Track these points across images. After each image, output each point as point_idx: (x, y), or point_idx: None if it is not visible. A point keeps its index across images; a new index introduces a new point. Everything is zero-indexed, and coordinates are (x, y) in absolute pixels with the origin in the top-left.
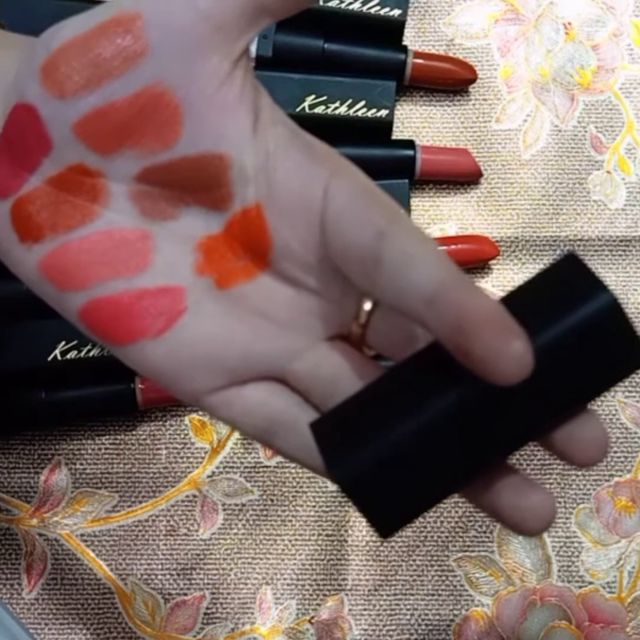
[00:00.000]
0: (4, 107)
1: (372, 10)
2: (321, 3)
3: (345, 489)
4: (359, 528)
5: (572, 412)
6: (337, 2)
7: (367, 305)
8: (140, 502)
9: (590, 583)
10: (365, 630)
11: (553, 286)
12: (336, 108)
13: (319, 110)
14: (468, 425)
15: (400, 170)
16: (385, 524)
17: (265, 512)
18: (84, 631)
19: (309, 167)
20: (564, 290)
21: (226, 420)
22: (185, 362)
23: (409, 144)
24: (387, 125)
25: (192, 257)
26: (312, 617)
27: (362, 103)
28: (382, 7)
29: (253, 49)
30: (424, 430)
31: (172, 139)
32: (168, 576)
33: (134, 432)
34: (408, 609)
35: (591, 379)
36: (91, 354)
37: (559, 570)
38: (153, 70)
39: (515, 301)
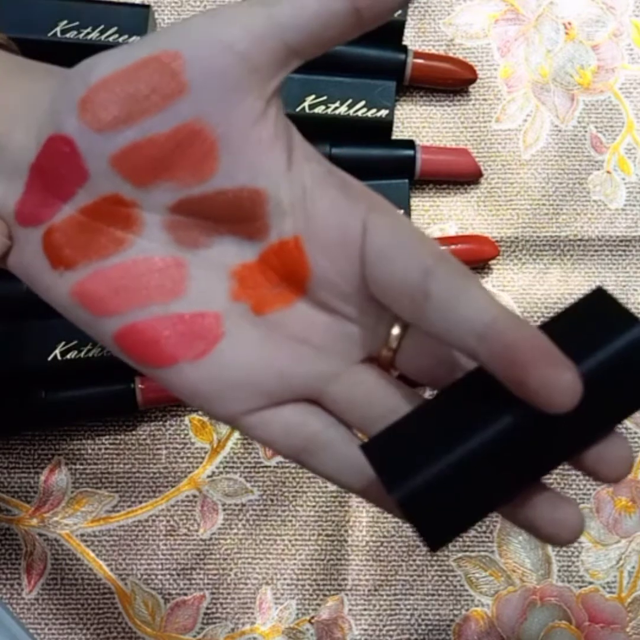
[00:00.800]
0: (38, 136)
1: None
2: None
3: (405, 509)
4: (359, 528)
5: (604, 433)
6: None
7: (396, 331)
8: (140, 502)
9: (590, 583)
10: (365, 630)
11: (586, 319)
12: (336, 108)
13: (319, 110)
14: (515, 448)
15: (400, 170)
16: (437, 539)
17: (265, 512)
18: (84, 631)
19: (347, 202)
20: (597, 322)
21: (263, 440)
22: (224, 385)
23: (409, 144)
24: (387, 125)
25: (227, 284)
26: (312, 617)
27: (362, 103)
28: None
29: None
30: (477, 453)
31: (208, 173)
32: (168, 576)
33: (134, 432)
34: (408, 609)
35: (623, 404)
36: (91, 354)
37: (559, 570)
38: (191, 108)
39: (552, 333)
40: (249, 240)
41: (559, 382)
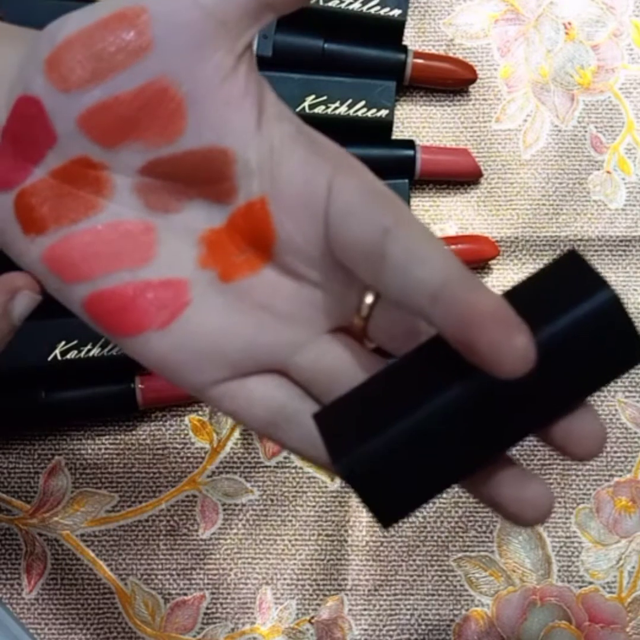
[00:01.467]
0: (8, 99)
1: (372, 10)
2: (321, 3)
3: (349, 481)
4: (359, 528)
5: (572, 406)
6: (337, 2)
7: (369, 299)
8: (140, 502)
9: (590, 583)
10: (365, 630)
11: (554, 282)
12: (336, 108)
13: (319, 110)
14: (470, 418)
15: (400, 170)
16: (388, 515)
17: (265, 512)
18: (84, 631)
19: (314, 162)
20: (565, 286)
21: (229, 412)
22: (190, 354)
23: (409, 144)
24: (387, 125)
25: (196, 250)
26: (312, 617)
27: (362, 103)
28: (382, 7)
29: (253, 48)
30: (427, 423)
31: (176, 133)
32: (168, 576)
33: (134, 432)
34: (408, 609)
35: (591, 373)
36: (91, 354)
37: (559, 570)
38: (158, 65)
39: (517, 297)
40: (219, 204)
41: (510, 345)
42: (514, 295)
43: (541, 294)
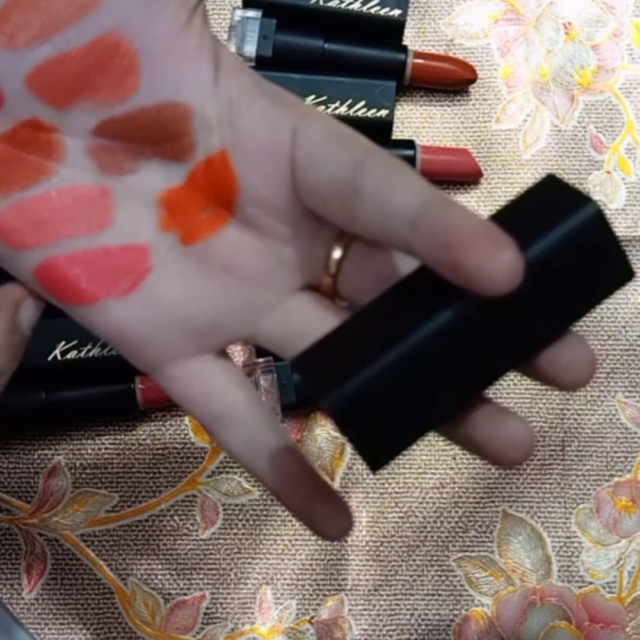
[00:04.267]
0: None
1: (372, 10)
2: (321, 3)
3: (336, 419)
4: (359, 528)
5: (559, 332)
6: (337, 2)
7: (337, 254)
8: (140, 502)
9: (590, 583)
10: (365, 630)
11: (536, 203)
12: (336, 108)
13: (319, 110)
14: (456, 346)
15: None
16: (376, 455)
17: (265, 512)
18: (84, 631)
19: (276, 111)
20: (548, 205)
21: (181, 397)
22: (152, 324)
23: (409, 144)
24: (387, 125)
25: (155, 212)
26: (312, 617)
27: (362, 103)
28: (382, 7)
29: (253, 49)
30: (413, 354)
31: (130, 89)
32: (168, 576)
33: (134, 432)
34: (408, 609)
35: (578, 294)
36: (91, 354)
37: (559, 570)
38: (109, 18)
39: (499, 219)
40: (176, 162)
41: (497, 260)
42: (496, 218)
43: (523, 214)
